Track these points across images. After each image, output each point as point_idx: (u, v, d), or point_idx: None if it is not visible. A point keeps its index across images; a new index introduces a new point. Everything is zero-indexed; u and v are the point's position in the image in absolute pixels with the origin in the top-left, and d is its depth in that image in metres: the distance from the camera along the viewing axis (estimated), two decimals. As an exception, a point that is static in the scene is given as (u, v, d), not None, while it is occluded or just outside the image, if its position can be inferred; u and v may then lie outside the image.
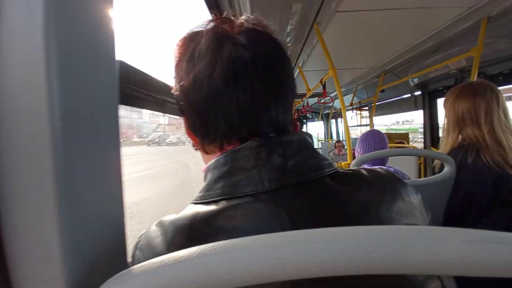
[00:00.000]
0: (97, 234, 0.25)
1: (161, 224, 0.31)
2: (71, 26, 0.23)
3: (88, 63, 0.25)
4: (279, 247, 0.18)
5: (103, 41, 0.27)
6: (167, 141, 31.66)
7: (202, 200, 0.32)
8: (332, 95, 3.99)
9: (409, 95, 3.12)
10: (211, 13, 1.26)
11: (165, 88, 0.61)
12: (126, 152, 22.59)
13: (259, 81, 0.33)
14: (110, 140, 0.28)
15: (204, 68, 0.33)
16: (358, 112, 5.07)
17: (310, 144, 0.36)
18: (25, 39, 0.22)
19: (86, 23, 0.25)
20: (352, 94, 4.26)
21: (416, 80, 2.73)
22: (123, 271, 0.20)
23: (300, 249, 0.17)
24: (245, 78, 0.33)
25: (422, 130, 3.13)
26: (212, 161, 0.35)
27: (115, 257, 0.27)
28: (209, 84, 0.33)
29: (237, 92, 0.33)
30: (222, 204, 0.30)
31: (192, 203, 0.34)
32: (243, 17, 0.38)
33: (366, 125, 4.94)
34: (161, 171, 9.31)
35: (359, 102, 4.47)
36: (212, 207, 0.30)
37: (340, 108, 5.67)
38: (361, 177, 0.34)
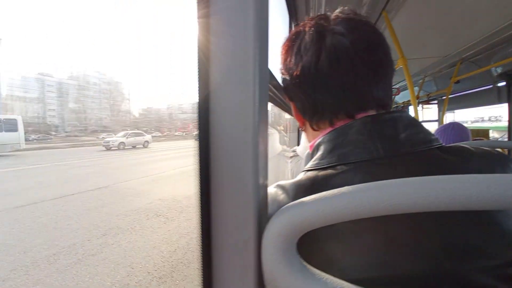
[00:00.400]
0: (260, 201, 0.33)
1: (280, 187, 0.39)
2: (260, 42, 0.31)
3: (263, 72, 0.32)
4: (412, 185, 0.24)
5: (264, 52, 0.32)
6: None
7: (318, 167, 0.38)
8: (395, 86, 3.77)
9: (490, 86, 2.80)
10: (291, 16, 1.37)
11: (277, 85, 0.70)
12: (182, 145, 24.09)
13: (360, 62, 0.38)
14: (264, 135, 0.34)
15: (311, 57, 0.40)
16: (425, 106, 4.65)
17: (418, 121, 0.39)
18: (238, 50, 0.29)
19: (263, 40, 0.32)
20: (418, 87, 3.94)
21: (499, 69, 2.45)
22: (289, 204, 0.29)
23: (432, 187, 0.23)
24: (347, 61, 0.38)
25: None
26: (325, 135, 0.41)
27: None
28: (316, 70, 0.39)
29: (341, 74, 0.38)
30: (340, 168, 0.36)
31: (305, 171, 0.40)
32: (337, 10, 0.44)
33: (434, 120, 4.53)
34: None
35: (427, 95, 4.13)
36: (329, 171, 0.36)
37: (402, 103, 5.30)
38: (470, 151, 0.37)
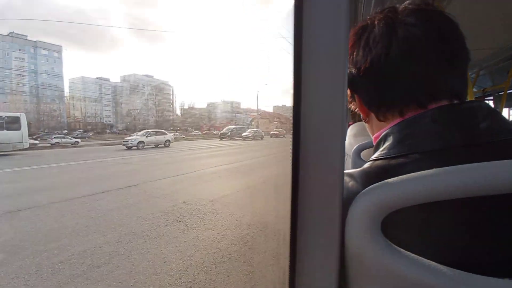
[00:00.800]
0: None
1: (348, 175, 0.41)
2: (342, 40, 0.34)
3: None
4: (488, 169, 0.27)
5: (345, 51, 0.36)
6: (243, 135, 29.96)
7: (388, 156, 0.39)
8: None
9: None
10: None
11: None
12: (203, 145, 23.98)
13: (434, 53, 0.40)
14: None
15: (381, 50, 0.41)
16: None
17: (497, 110, 0.39)
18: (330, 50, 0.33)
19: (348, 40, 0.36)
20: (471, 82, 3.56)
21: None
22: (373, 186, 0.33)
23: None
24: (420, 52, 0.40)
25: None
26: (394, 125, 0.42)
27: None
28: (387, 62, 0.41)
29: (413, 65, 0.40)
30: (413, 156, 0.37)
31: (372, 160, 0.41)
32: (406, 2, 0.44)
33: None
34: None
35: (482, 90, 3.77)
36: (402, 159, 0.37)
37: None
38: None
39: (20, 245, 3.09)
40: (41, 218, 3.96)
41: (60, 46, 58.18)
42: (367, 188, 0.33)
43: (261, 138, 29.66)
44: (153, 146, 19.66)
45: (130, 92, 68.90)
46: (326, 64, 0.32)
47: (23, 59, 51.20)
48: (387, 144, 0.41)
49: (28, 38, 52.52)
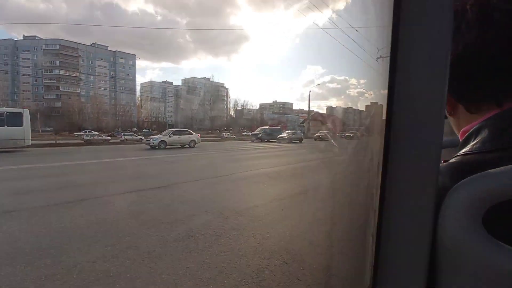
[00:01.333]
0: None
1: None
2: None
3: None
4: None
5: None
6: (278, 137, 26.30)
7: (482, 150, 0.37)
8: None
9: None
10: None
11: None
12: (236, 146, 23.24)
13: None
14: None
15: (475, 37, 0.38)
16: None
17: None
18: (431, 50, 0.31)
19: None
20: None
21: None
22: (472, 176, 0.31)
23: None
24: None
25: None
26: (488, 117, 0.40)
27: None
28: (482, 50, 0.38)
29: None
30: None
31: (461, 155, 0.39)
32: None
33: None
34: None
35: None
36: (499, 153, 0.35)
37: None
38: None
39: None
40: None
41: (134, 55, 66.30)
42: (466, 179, 0.31)
43: (300, 141, 25.80)
44: (179, 146, 18.68)
45: (189, 93, 74.10)
46: (425, 51, 0.31)
47: (105, 66, 59.73)
48: (480, 137, 0.39)
49: (109, 48, 61.08)
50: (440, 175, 0.35)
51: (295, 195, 5.35)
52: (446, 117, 0.47)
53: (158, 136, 18.99)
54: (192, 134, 20.48)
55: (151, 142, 17.95)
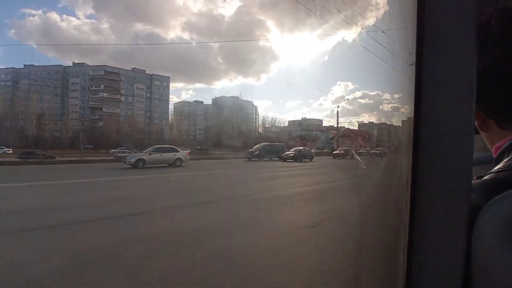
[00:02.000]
0: None
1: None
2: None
3: None
4: None
5: None
6: (283, 154, 22.85)
7: None
8: None
9: None
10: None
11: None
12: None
13: None
14: None
15: (501, 51, 0.38)
16: None
17: None
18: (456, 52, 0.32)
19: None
20: None
21: None
22: (509, 191, 0.31)
23: None
24: None
25: None
26: None
27: None
28: (510, 67, 0.38)
29: None
30: None
31: (495, 171, 0.38)
32: None
33: None
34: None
35: None
36: None
37: None
38: None
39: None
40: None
41: (168, 77, 71.05)
42: (498, 197, 0.31)
43: (310, 160, 22.79)
44: (165, 164, 16.21)
45: (218, 111, 76.79)
46: (452, 63, 0.32)
47: (142, 88, 64.71)
48: None
49: (146, 72, 66.41)
50: (473, 193, 0.34)
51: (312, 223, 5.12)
52: (478, 133, 0.46)
53: (136, 154, 17.48)
54: (178, 151, 18.15)
55: (127, 160, 16.12)
